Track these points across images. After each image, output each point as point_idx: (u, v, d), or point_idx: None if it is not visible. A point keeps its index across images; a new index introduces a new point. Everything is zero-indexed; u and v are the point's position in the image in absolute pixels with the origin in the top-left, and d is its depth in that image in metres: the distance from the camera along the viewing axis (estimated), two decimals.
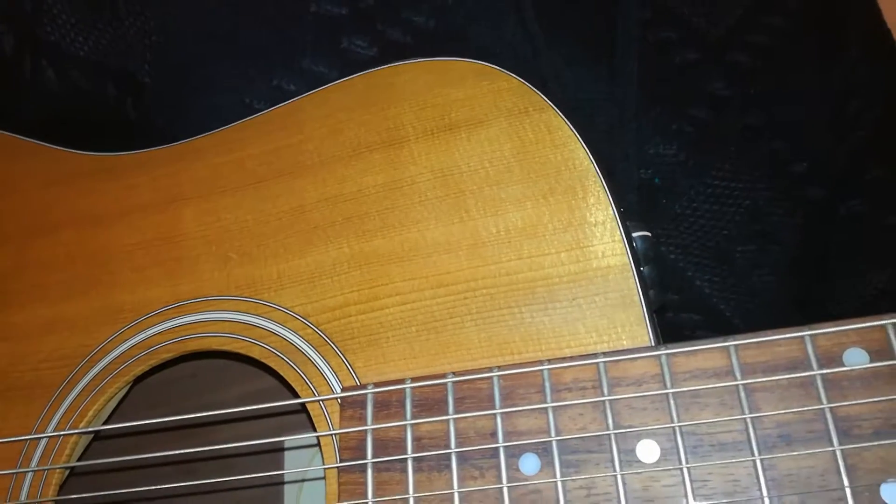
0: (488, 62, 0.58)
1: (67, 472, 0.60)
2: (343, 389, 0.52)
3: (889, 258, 0.70)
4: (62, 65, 0.78)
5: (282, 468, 0.67)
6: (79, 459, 0.60)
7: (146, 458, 0.56)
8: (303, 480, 0.66)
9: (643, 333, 0.49)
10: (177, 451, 0.55)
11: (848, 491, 0.42)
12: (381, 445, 0.50)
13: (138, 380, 0.61)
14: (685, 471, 0.44)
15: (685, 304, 0.73)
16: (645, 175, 0.74)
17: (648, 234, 0.54)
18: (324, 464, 0.51)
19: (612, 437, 0.45)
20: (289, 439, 0.65)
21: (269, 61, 0.77)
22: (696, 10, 0.75)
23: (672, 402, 0.45)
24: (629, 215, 0.52)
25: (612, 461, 0.45)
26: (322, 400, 0.53)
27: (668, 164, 0.74)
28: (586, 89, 0.75)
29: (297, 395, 0.55)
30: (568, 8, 0.77)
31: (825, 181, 0.72)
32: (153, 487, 0.55)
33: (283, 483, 0.66)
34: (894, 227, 0.71)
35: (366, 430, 0.50)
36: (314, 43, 0.77)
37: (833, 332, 0.44)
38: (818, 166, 0.72)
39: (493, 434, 0.48)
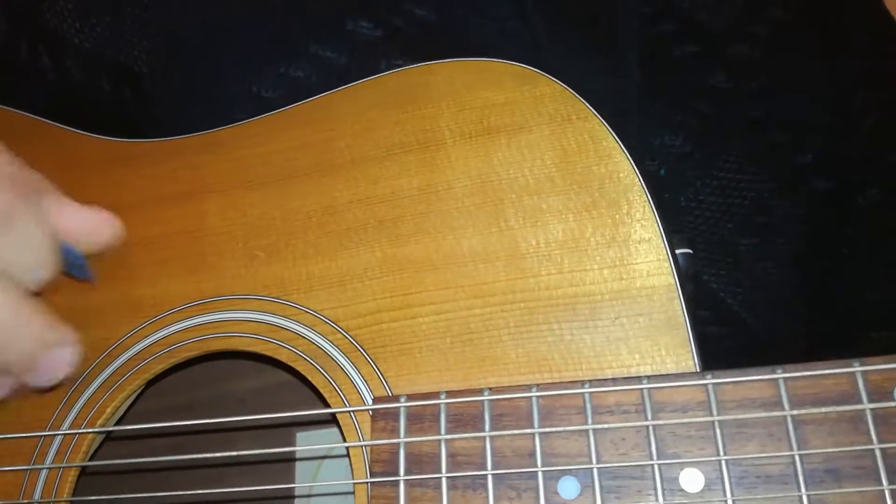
0: (490, 56, 0.56)
1: (81, 469, 0.58)
2: (374, 400, 0.51)
3: None
4: (59, 53, 0.76)
5: (293, 470, 0.66)
6: (93, 456, 0.59)
7: (159, 461, 0.55)
8: (310, 495, 0.65)
9: (687, 357, 0.48)
10: (189, 457, 0.54)
11: None
12: (415, 460, 0.49)
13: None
14: (730, 503, 0.43)
15: (693, 300, 0.73)
16: (651, 166, 0.73)
17: (691, 251, 0.53)
18: (353, 475, 0.50)
19: (656, 465, 0.45)
20: (327, 447, 0.64)
21: (275, 48, 0.75)
22: (697, 4, 0.74)
23: (718, 431, 0.45)
24: None
25: (655, 489, 0.44)
26: (354, 411, 0.52)
27: (674, 156, 0.73)
28: (589, 81, 0.74)
29: (324, 400, 0.54)
30: (569, 0, 0.76)
31: (831, 172, 0.72)
32: (165, 494, 0.54)
33: (293, 497, 0.65)
34: None
35: (398, 444, 0.49)
36: (319, 27, 0.75)
37: (885, 368, 0.44)
38: (824, 157, 0.72)
39: (532, 454, 0.47)
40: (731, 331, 0.72)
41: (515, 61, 0.56)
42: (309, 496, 0.66)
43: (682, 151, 0.73)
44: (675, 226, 0.73)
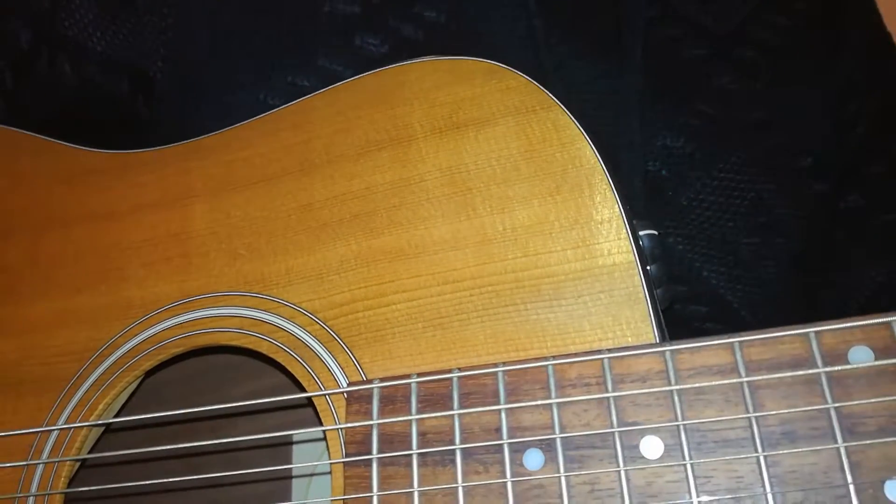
0: (497, 58, 0.58)
1: (78, 464, 0.60)
2: (349, 384, 0.53)
3: (888, 253, 0.71)
4: (79, 60, 0.79)
5: (290, 462, 0.67)
6: (89, 452, 0.61)
7: (155, 451, 0.56)
8: (311, 475, 0.66)
9: (648, 331, 0.49)
10: (185, 445, 0.56)
11: (851, 488, 0.42)
12: (387, 440, 0.50)
13: (149, 374, 0.62)
14: (689, 467, 0.44)
15: (692, 296, 0.74)
16: (653, 167, 0.75)
17: (655, 232, 0.54)
18: (329, 457, 0.52)
19: (616, 433, 0.46)
20: (298, 433, 0.66)
21: (284, 59, 0.78)
22: (702, 9, 0.76)
23: (676, 398, 0.45)
24: (634, 204, 0.52)
25: (616, 457, 0.45)
26: (328, 394, 0.53)
27: (675, 157, 0.75)
28: (593, 82, 0.76)
29: (304, 391, 0.55)
30: (575, 2, 0.78)
31: (828, 176, 0.73)
32: (162, 481, 0.56)
33: (291, 477, 0.66)
34: (893, 223, 0.71)
35: (371, 425, 0.51)
36: (328, 41, 0.78)
37: (838, 329, 0.44)
38: (822, 161, 0.73)
39: (498, 429, 0.48)
40: (729, 327, 0.73)
41: (522, 62, 0.58)
42: (311, 475, 0.67)
43: (684, 152, 0.75)
44: (677, 224, 0.74)
